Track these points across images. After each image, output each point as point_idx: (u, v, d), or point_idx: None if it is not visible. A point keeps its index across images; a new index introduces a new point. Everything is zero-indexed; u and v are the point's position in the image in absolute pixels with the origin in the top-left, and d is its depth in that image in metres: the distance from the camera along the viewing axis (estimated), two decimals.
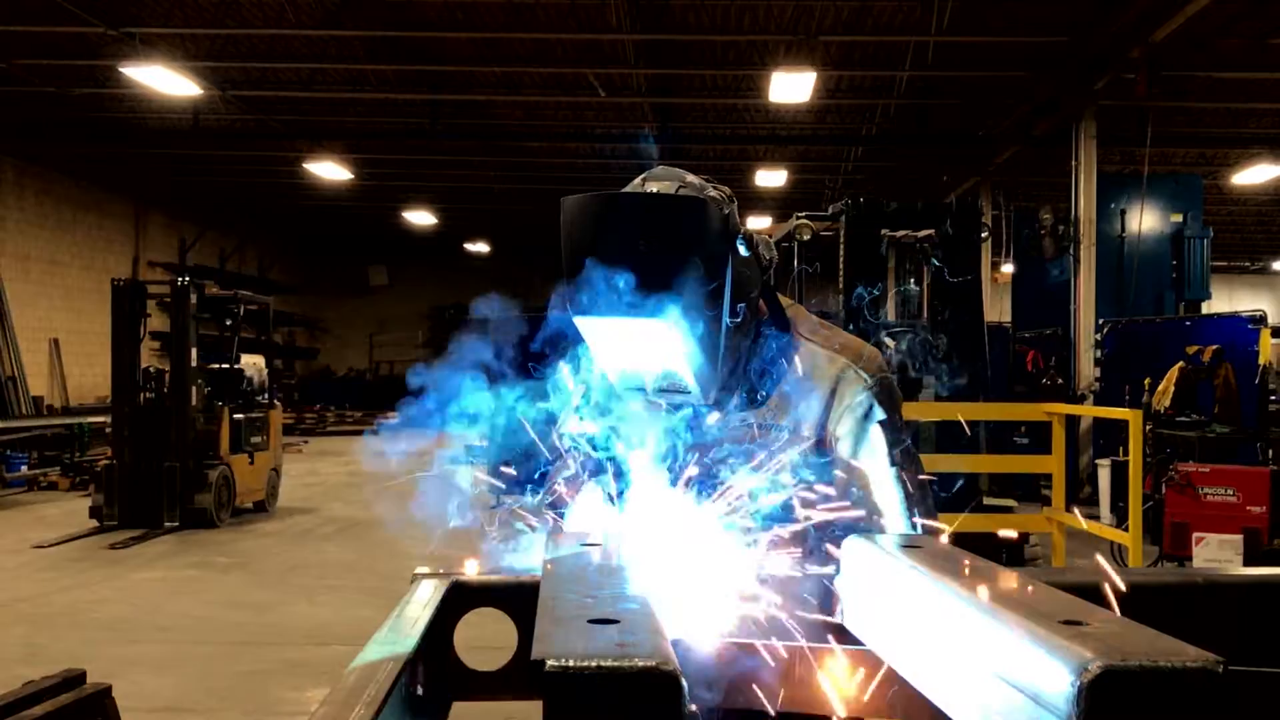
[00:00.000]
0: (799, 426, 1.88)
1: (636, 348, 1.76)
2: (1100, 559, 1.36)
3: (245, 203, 24.00)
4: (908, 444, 1.90)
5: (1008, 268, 18.77)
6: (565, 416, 2.08)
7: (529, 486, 1.93)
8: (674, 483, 1.82)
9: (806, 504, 1.80)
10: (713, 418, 1.90)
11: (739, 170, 19.53)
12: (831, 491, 1.83)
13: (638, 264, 1.65)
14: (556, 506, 1.88)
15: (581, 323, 1.73)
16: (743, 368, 1.90)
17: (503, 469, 1.92)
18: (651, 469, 1.87)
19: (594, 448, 1.98)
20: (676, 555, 1.72)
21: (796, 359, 1.91)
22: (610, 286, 1.66)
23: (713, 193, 1.82)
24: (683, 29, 12.86)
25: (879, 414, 1.86)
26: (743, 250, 1.81)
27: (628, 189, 1.85)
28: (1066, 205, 14.37)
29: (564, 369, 2.03)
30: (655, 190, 1.81)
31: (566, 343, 1.95)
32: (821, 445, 1.87)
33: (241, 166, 20.27)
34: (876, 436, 1.85)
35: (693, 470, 1.84)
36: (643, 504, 1.81)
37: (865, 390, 1.87)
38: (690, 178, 1.82)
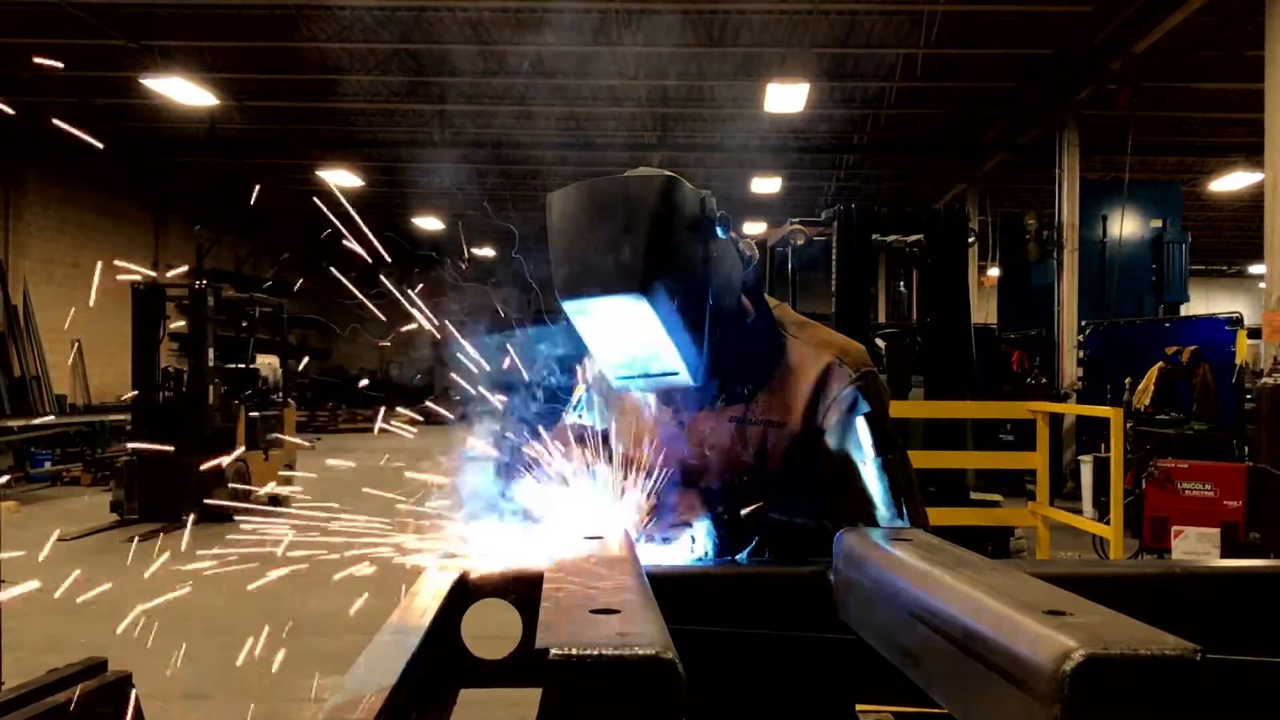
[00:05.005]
0: (786, 421, 1.88)
1: (624, 329, 1.74)
2: None
3: (260, 209, 24.12)
4: (894, 436, 1.89)
5: (994, 271, 18.98)
6: (567, 410, 2.14)
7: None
8: (665, 478, 1.85)
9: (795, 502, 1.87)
10: (701, 415, 1.91)
11: (735, 177, 19.77)
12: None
13: (614, 242, 1.67)
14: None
15: (569, 306, 1.74)
16: (730, 362, 1.87)
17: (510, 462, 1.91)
18: (643, 463, 1.88)
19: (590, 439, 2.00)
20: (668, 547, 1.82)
21: (783, 355, 1.92)
22: (591, 267, 1.68)
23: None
24: (682, 41, 13.06)
25: (864, 406, 1.86)
26: (720, 233, 1.81)
27: None
28: (1050, 211, 14.62)
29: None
30: None
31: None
32: (809, 439, 1.88)
33: (257, 174, 20.46)
34: (863, 429, 1.85)
35: (684, 466, 1.88)
36: (636, 498, 1.83)
37: (851, 384, 1.86)
38: (668, 174, 1.81)
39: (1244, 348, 10.92)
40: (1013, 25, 12.50)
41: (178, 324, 11.84)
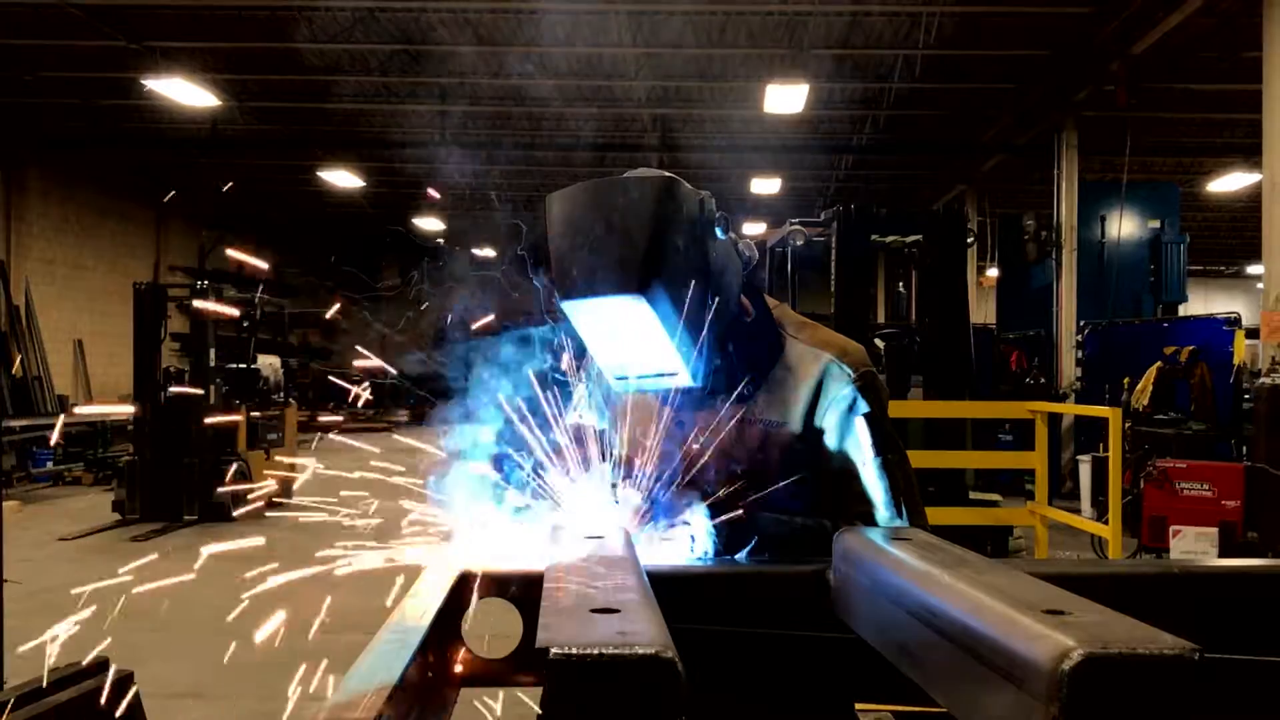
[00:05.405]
0: (786, 420, 1.89)
1: (623, 330, 1.74)
2: None
3: (262, 209, 24.16)
4: (893, 436, 1.89)
5: (993, 271, 19.01)
6: (568, 411, 2.10)
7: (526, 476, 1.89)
8: (665, 477, 1.85)
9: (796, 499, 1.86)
10: (701, 414, 1.89)
11: (734, 178, 19.75)
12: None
13: (614, 243, 1.67)
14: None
15: (568, 307, 1.73)
16: (730, 363, 1.88)
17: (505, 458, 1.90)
18: (643, 462, 1.87)
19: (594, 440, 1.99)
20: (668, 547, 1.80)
21: (783, 355, 1.93)
22: (591, 268, 1.68)
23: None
24: (681, 43, 13.07)
25: (863, 406, 1.87)
26: (719, 234, 1.81)
27: None
28: (1049, 212, 14.63)
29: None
30: None
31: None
32: (809, 438, 1.89)
33: (258, 174, 20.47)
34: (861, 429, 1.86)
35: (684, 464, 1.87)
36: (636, 497, 1.84)
37: (850, 384, 1.87)
38: (667, 175, 1.80)
39: (1242, 348, 10.93)
40: (1012, 26, 12.50)
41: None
